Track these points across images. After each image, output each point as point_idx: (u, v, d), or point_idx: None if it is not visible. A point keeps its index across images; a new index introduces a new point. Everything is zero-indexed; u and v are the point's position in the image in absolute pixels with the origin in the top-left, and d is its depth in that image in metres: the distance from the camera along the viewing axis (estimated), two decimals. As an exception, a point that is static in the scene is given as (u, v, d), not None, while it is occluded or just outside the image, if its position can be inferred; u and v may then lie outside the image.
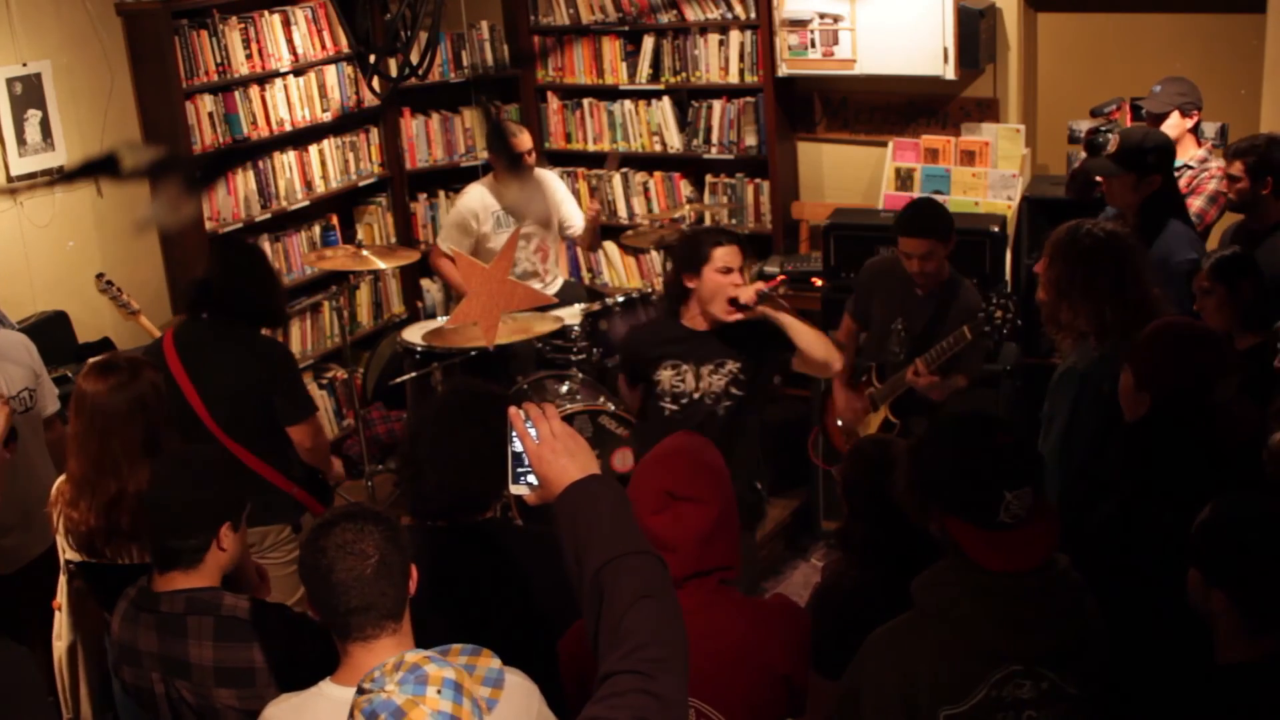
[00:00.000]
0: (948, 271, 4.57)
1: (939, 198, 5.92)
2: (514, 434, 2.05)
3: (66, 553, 3.38)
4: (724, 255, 3.97)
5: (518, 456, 2.06)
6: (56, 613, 3.49)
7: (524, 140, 6.00)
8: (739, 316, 3.96)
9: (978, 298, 4.50)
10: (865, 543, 2.90)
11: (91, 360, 3.43)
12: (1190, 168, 4.84)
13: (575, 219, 6.27)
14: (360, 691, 1.78)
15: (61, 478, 3.38)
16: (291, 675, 2.66)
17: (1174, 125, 4.87)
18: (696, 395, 4.09)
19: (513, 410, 2.06)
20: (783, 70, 6.28)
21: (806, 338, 4.02)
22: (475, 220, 5.98)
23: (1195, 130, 4.96)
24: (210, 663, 2.66)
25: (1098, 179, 4.83)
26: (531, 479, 2.05)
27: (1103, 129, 4.90)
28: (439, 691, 1.74)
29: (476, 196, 6.03)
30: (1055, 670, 2.32)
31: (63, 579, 3.45)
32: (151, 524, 2.79)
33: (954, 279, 4.59)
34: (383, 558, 2.20)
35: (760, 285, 3.91)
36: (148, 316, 5.43)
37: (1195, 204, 4.70)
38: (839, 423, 4.98)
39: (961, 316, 4.42)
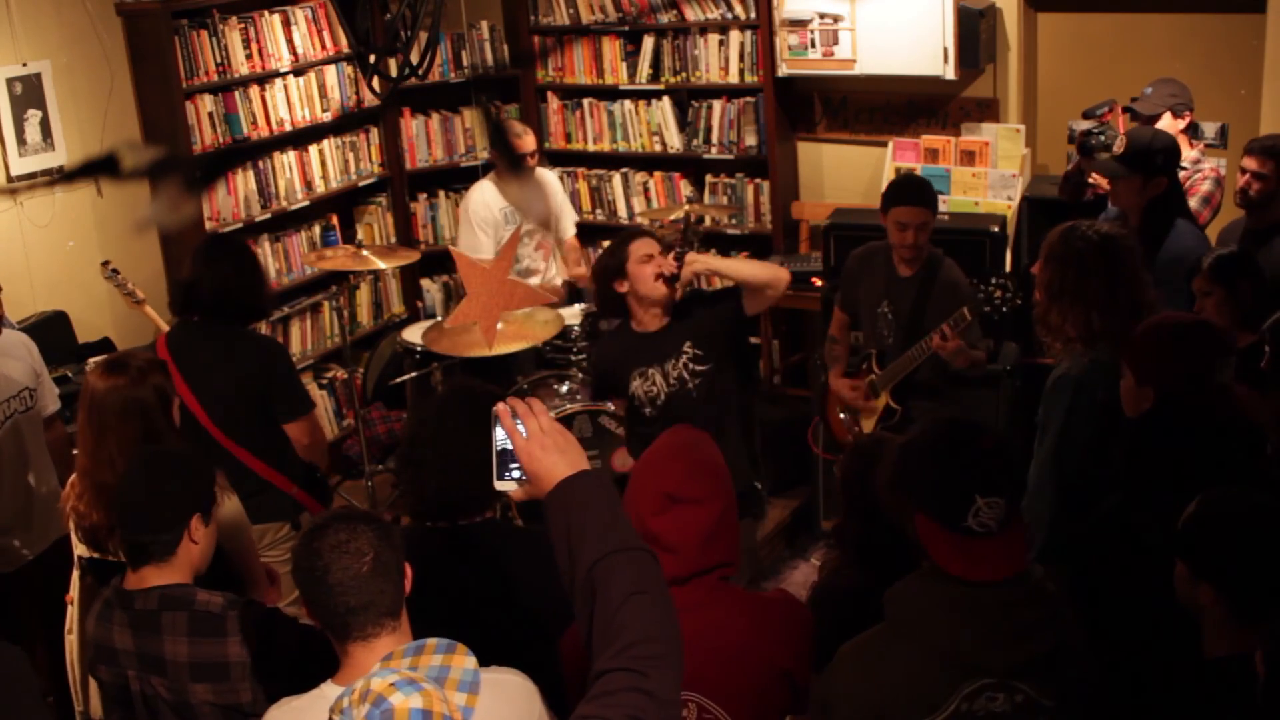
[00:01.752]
0: (929, 247, 4.63)
1: (939, 198, 5.93)
2: (499, 430, 2.03)
3: (78, 548, 3.40)
4: (639, 247, 4.16)
5: (502, 452, 2.03)
6: (69, 606, 3.49)
7: (526, 142, 5.99)
8: (676, 287, 4.15)
9: (961, 273, 4.58)
10: (859, 541, 2.90)
11: (106, 356, 3.44)
12: (1183, 169, 4.82)
13: (568, 227, 6.27)
14: None
15: (74, 475, 3.39)
16: (267, 669, 2.67)
17: (1166, 127, 4.85)
18: (667, 391, 4.19)
19: (500, 406, 2.04)
20: (783, 70, 6.28)
21: (740, 268, 4.28)
22: (481, 220, 5.99)
23: (1189, 131, 4.95)
24: (185, 658, 2.68)
25: (1090, 181, 4.84)
26: (517, 474, 2.02)
27: (1094, 130, 4.91)
28: None
29: (482, 195, 6.03)
30: (1029, 683, 2.27)
31: (75, 573, 3.46)
32: (122, 519, 2.79)
33: (935, 256, 4.64)
34: (378, 555, 2.19)
35: (673, 251, 4.14)
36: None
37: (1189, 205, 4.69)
38: (840, 415, 4.98)
39: (947, 291, 4.49)
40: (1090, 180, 4.85)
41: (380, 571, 2.19)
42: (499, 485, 2.05)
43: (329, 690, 2.21)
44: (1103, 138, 4.76)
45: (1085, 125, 5.15)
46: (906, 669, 2.29)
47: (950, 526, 2.28)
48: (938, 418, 2.49)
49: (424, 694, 1.75)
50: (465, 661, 1.95)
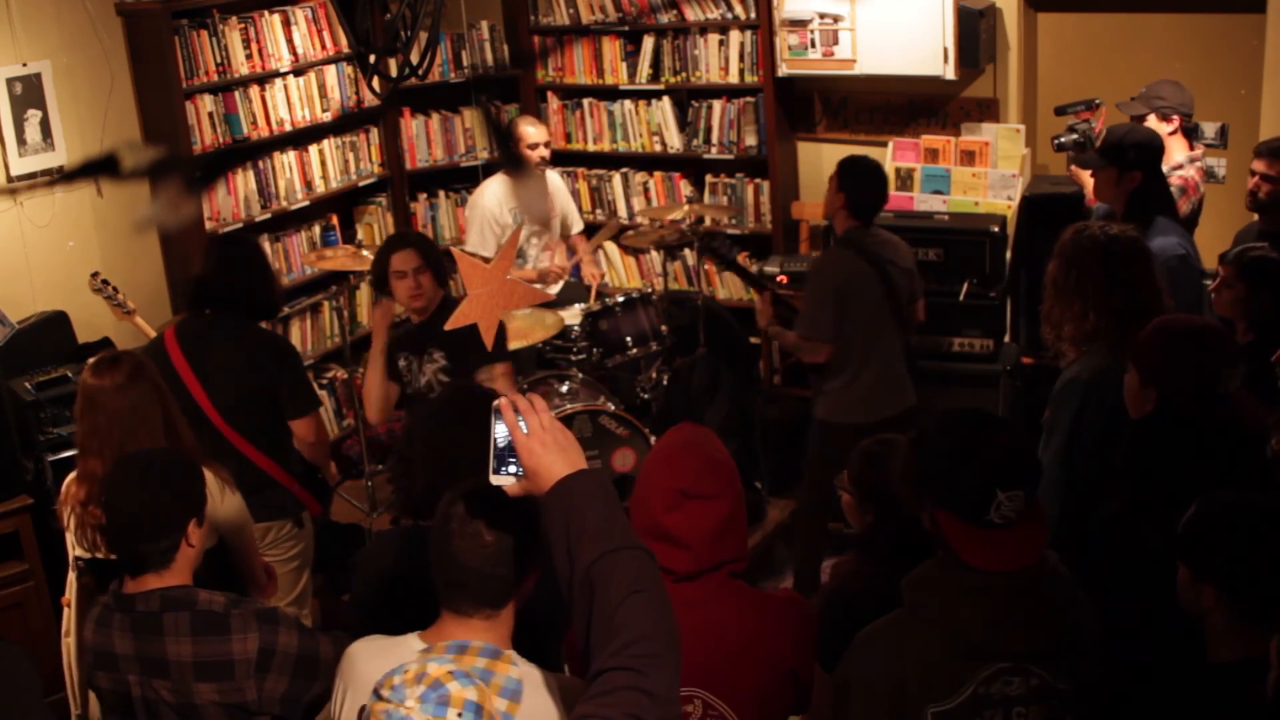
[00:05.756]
0: (840, 229, 4.79)
1: (938, 198, 5.94)
2: (499, 424, 2.02)
3: (75, 550, 3.39)
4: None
5: (501, 447, 2.02)
6: (65, 609, 3.49)
7: (528, 135, 5.98)
8: None
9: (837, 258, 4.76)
10: (892, 542, 2.86)
11: (95, 358, 3.40)
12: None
13: (575, 222, 6.30)
14: (378, 697, 1.75)
15: (71, 475, 3.37)
16: (272, 667, 2.66)
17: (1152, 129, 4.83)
18: None
19: (502, 401, 2.03)
20: (783, 70, 6.28)
21: None
22: (495, 218, 5.99)
23: (1186, 133, 4.91)
24: (189, 658, 2.66)
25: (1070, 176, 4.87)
26: (514, 470, 2.01)
27: (1065, 132, 4.90)
28: (459, 715, 1.72)
29: (493, 193, 6.03)
30: (1045, 667, 2.32)
31: (71, 576, 3.45)
32: (116, 530, 2.75)
33: (849, 236, 4.77)
34: (500, 547, 2.13)
35: None
36: (147, 317, 5.41)
37: None
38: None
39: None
40: (1069, 175, 4.88)
41: (499, 561, 2.13)
42: (494, 480, 2.03)
43: (413, 641, 2.19)
44: (1075, 136, 4.79)
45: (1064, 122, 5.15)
46: (923, 654, 2.32)
47: (972, 521, 2.31)
48: (950, 411, 2.50)
49: (478, 689, 1.77)
50: (510, 670, 1.96)
